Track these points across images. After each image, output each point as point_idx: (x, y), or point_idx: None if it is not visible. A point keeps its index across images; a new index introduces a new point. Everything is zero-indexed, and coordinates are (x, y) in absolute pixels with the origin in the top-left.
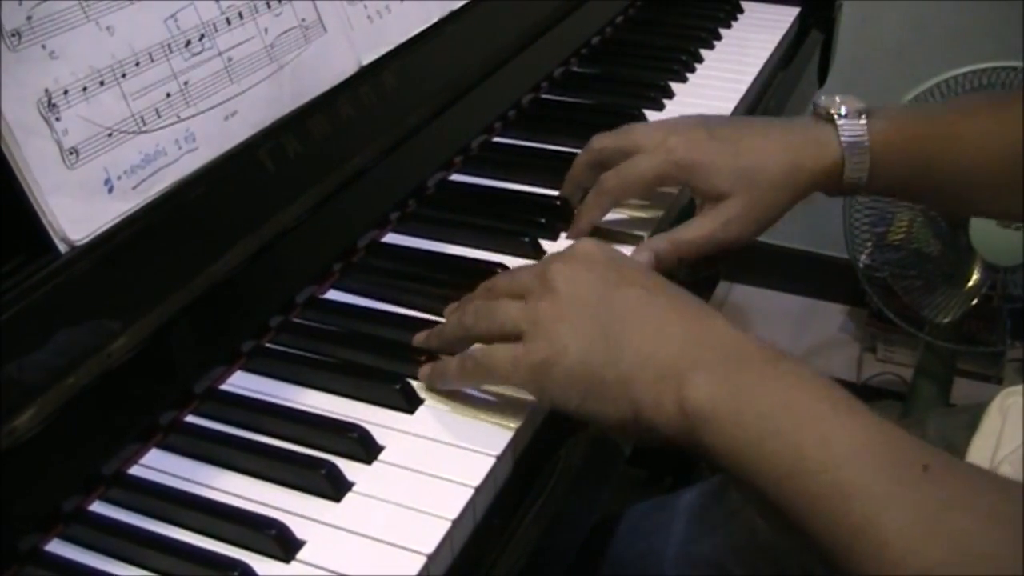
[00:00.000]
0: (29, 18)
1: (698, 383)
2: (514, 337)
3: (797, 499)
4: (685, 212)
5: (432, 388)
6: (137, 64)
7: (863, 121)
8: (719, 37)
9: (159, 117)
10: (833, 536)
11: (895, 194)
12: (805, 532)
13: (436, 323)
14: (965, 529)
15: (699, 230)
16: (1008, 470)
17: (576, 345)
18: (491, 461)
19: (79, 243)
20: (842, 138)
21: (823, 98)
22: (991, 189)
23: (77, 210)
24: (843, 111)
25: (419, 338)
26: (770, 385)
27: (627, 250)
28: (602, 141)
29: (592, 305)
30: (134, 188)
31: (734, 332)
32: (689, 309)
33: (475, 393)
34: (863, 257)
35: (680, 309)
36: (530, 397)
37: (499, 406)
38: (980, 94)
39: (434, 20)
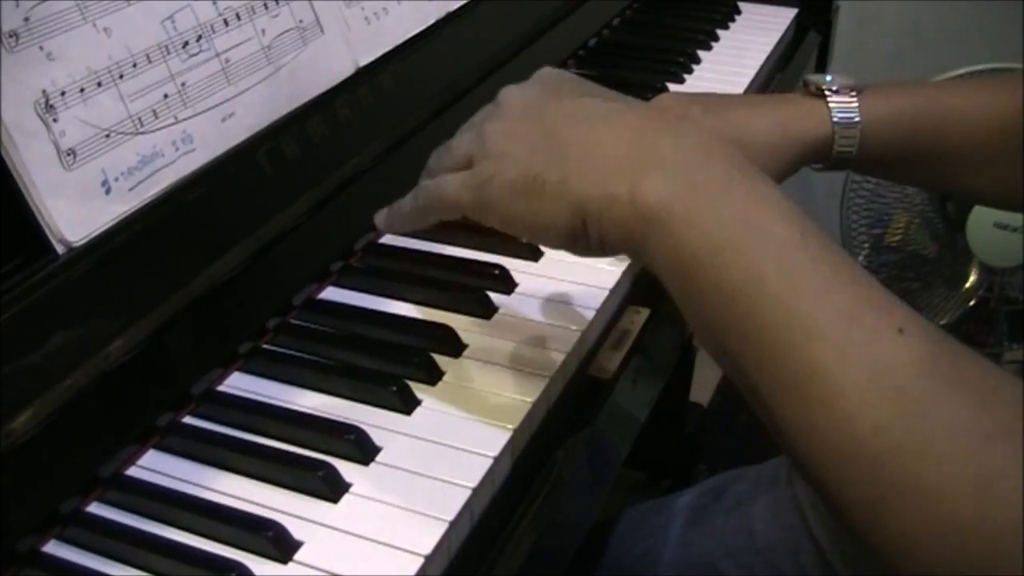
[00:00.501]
0: (26, 19)
1: (653, 179)
2: (464, 163)
3: (746, 322)
4: None
5: (391, 230)
6: (134, 65)
7: (853, 96)
8: (716, 39)
9: (156, 118)
10: (781, 372)
11: (884, 170)
12: (746, 363)
13: (434, 324)
14: (924, 391)
15: None
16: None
17: (519, 153)
18: (488, 462)
19: (77, 244)
20: (832, 113)
21: (813, 76)
22: (980, 165)
23: (74, 212)
24: (834, 87)
25: (379, 220)
26: (734, 195)
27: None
28: None
29: (540, 112)
30: (131, 189)
31: (699, 131)
32: (648, 109)
33: (472, 394)
34: (860, 259)
35: (636, 108)
36: (528, 397)
37: (497, 407)
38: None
39: (431, 22)
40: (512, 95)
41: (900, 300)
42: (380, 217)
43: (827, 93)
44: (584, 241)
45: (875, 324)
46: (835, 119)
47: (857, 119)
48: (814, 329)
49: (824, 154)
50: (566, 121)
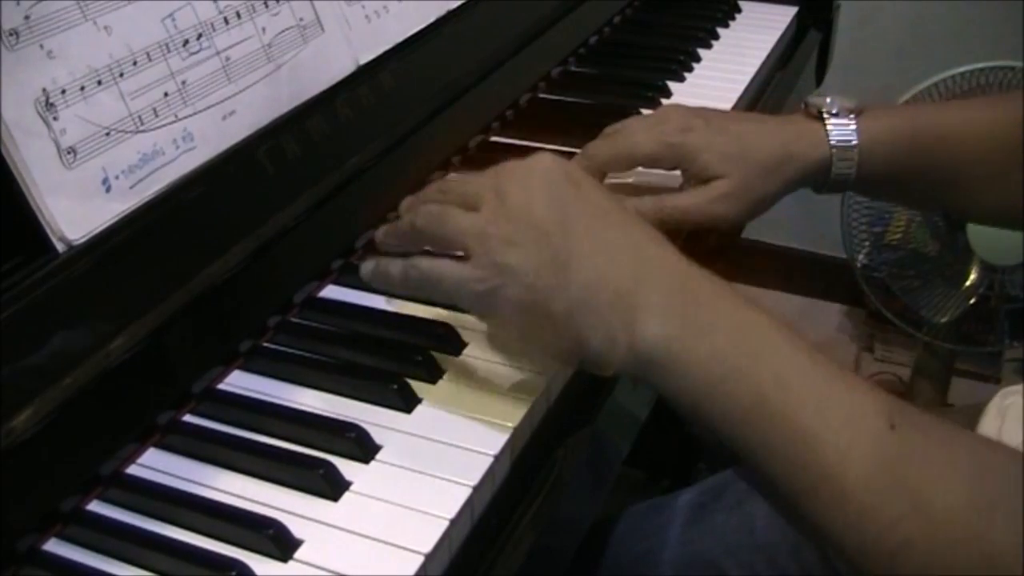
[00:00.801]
0: (27, 17)
1: (649, 322)
2: (461, 251)
3: (757, 442)
4: None
5: (371, 283)
6: (135, 64)
7: (852, 120)
8: (717, 37)
9: (157, 117)
10: (795, 482)
11: (883, 191)
12: (767, 475)
13: (434, 322)
14: (924, 480)
15: (688, 199)
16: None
17: (524, 274)
18: (489, 460)
19: (77, 243)
20: (830, 136)
21: (814, 97)
22: (979, 184)
23: (75, 210)
24: (833, 110)
25: (377, 235)
26: (723, 321)
27: None
28: (597, 149)
29: (543, 229)
30: (132, 188)
31: (685, 264)
32: (643, 239)
33: (473, 392)
34: (861, 257)
35: (633, 238)
36: (528, 396)
37: (497, 405)
38: (973, 97)
39: (432, 20)
40: (517, 193)
41: (888, 395)
42: (366, 270)
43: (825, 116)
44: (579, 363)
45: (870, 423)
46: (832, 142)
47: (854, 142)
48: (817, 439)
49: (822, 176)
50: (575, 248)
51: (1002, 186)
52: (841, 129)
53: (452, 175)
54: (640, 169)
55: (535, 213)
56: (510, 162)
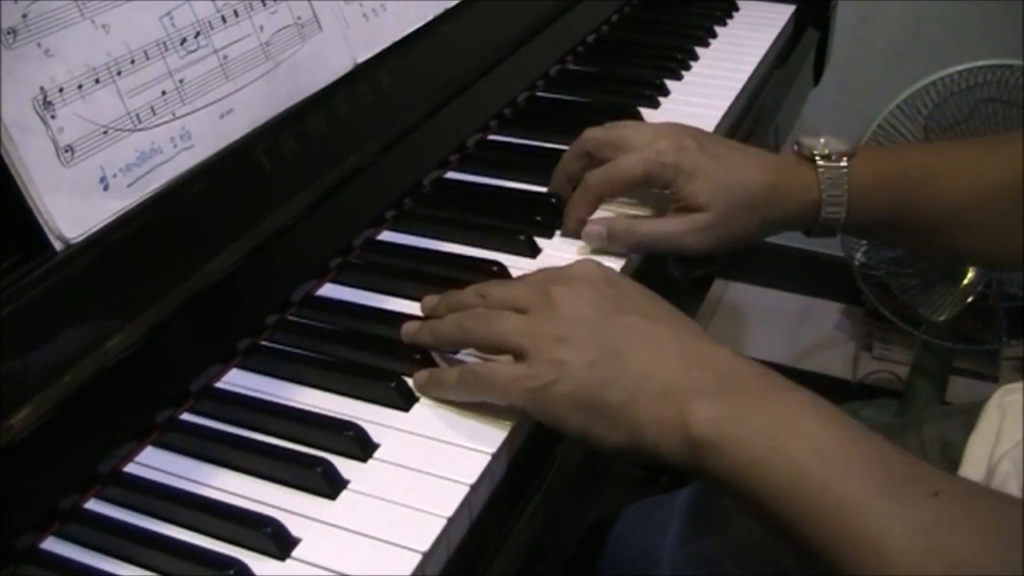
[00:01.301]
0: (25, 16)
1: (700, 407)
2: (513, 352)
3: (799, 516)
4: None
5: (427, 394)
6: (133, 62)
7: (844, 164)
8: (715, 35)
9: (155, 115)
10: (837, 552)
11: (874, 234)
12: (810, 548)
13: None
14: (966, 547)
15: (662, 228)
16: (1008, 466)
17: (577, 368)
18: (487, 459)
19: (75, 241)
20: (820, 180)
21: (807, 139)
22: (971, 228)
23: (73, 208)
24: (825, 151)
25: (408, 331)
26: (768, 405)
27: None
28: (593, 133)
29: (593, 327)
30: (130, 186)
31: (730, 354)
32: (687, 332)
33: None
34: (859, 255)
35: (678, 332)
36: None
37: (495, 404)
38: (966, 140)
39: (430, 18)
40: (564, 298)
41: (932, 467)
42: (420, 380)
43: (817, 159)
44: (632, 455)
45: (911, 492)
46: (823, 184)
47: (845, 187)
48: (856, 508)
49: (811, 219)
50: (623, 343)
51: (997, 231)
52: (832, 172)
53: (491, 282)
54: None
55: (584, 312)
56: (551, 269)
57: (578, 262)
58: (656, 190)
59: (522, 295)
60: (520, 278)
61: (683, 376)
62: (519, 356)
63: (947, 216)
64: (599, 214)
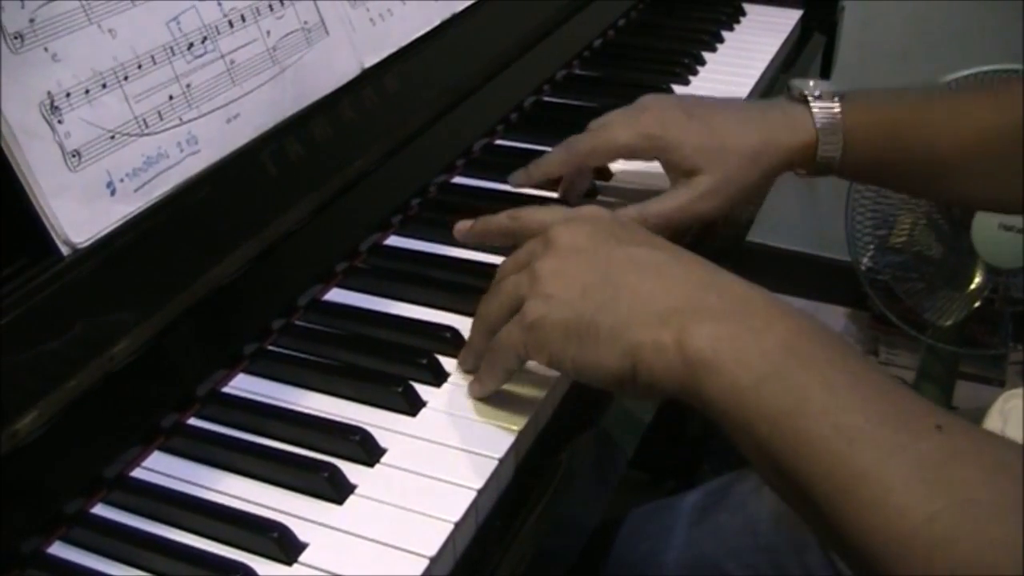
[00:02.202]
0: (32, 20)
1: (701, 326)
2: (516, 301)
3: (796, 440)
4: None
5: (482, 396)
6: (139, 67)
7: (836, 102)
8: (721, 40)
9: (161, 119)
10: (831, 481)
11: (868, 176)
12: (801, 478)
13: (439, 325)
14: (968, 478)
15: (670, 202)
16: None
17: (569, 297)
18: (494, 463)
19: (81, 246)
20: (815, 117)
21: (797, 81)
22: (961, 172)
23: (79, 213)
24: (816, 92)
25: (460, 360)
26: (776, 328)
27: None
28: (577, 141)
29: (591, 255)
30: (136, 191)
31: (741, 282)
32: (695, 260)
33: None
34: (865, 260)
35: (685, 260)
36: (532, 399)
37: (502, 408)
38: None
39: (436, 23)
40: (563, 234)
41: (934, 404)
42: (472, 389)
43: (810, 99)
44: (632, 385)
45: (916, 425)
46: (818, 124)
47: (840, 121)
48: (860, 436)
49: (808, 159)
50: (620, 268)
51: (993, 177)
52: (826, 111)
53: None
54: (622, 166)
55: (580, 244)
56: (564, 207)
57: (584, 206)
58: (643, 162)
59: (526, 247)
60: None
61: (686, 297)
62: (521, 305)
63: (944, 161)
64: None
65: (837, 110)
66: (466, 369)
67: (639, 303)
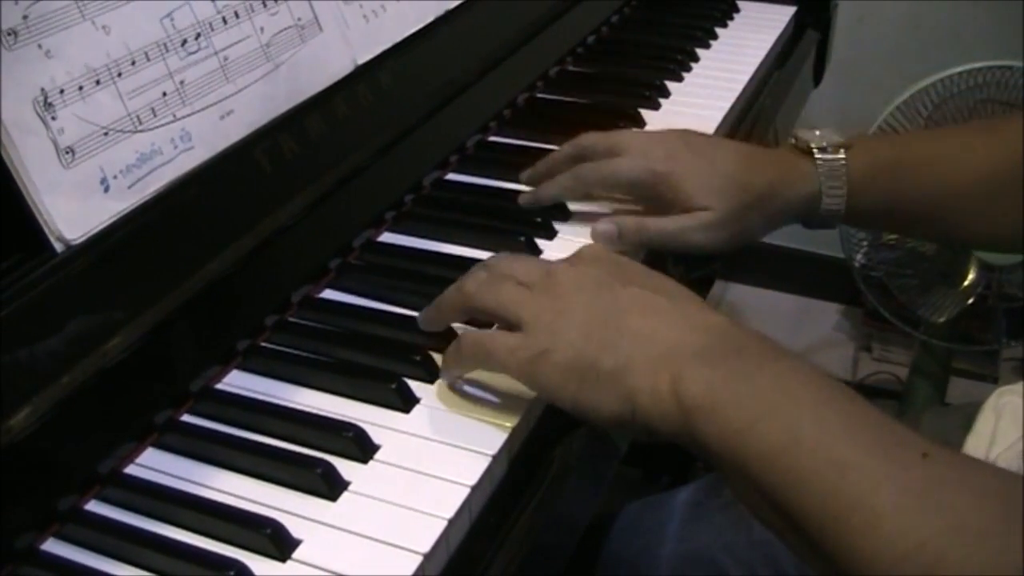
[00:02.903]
0: (25, 17)
1: (695, 372)
2: (510, 322)
3: (790, 476)
4: None
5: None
6: (133, 63)
7: (841, 155)
8: (715, 36)
9: (155, 116)
10: (825, 512)
11: (874, 224)
12: (795, 511)
13: None
14: (958, 504)
15: (670, 224)
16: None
17: (574, 335)
18: (487, 460)
19: (75, 242)
20: (819, 170)
21: (803, 132)
22: (970, 212)
23: (73, 209)
24: (823, 144)
25: (420, 316)
26: (768, 371)
27: None
28: (589, 138)
29: (593, 298)
30: (130, 187)
31: (734, 326)
32: (690, 304)
33: (471, 392)
34: (859, 256)
35: (681, 303)
36: (525, 395)
37: (495, 405)
38: (962, 125)
39: (430, 19)
40: (566, 274)
41: (919, 434)
42: (422, 319)
43: (815, 151)
44: (631, 426)
45: (903, 454)
46: (822, 174)
47: (844, 174)
48: (850, 468)
49: (812, 211)
50: (621, 311)
51: (996, 215)
52: (830, 164)
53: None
54: None
55: (583, 284)
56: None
57: (586, 246)
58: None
59: (526, 269)
60: (528, 256)
61: (680, 341)
62: (516, 327)
63: (945, 202)
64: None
65: (842, 162)
66: (424, 320)
67: (638, 347)
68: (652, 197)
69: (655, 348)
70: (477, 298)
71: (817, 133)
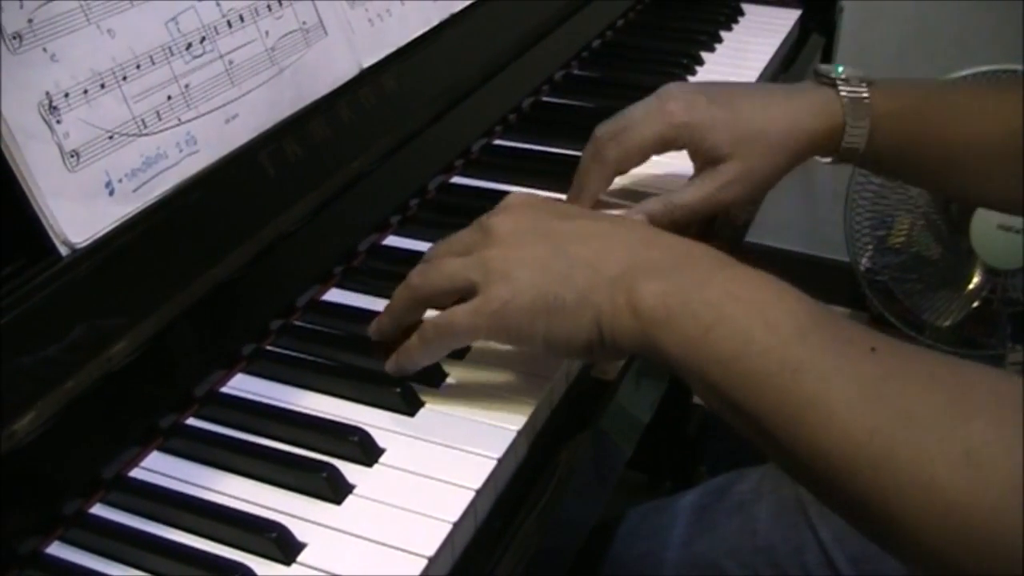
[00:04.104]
0: (30, 21)
1: (647, 285)
2: (467, 291)
3: (745, 379)
4: None
5: (404, 371)
6: (138, 67)
7: (864, 87)
8: (720, 40)
9: (160, 120)
10: (782, 412)
11: (889, 166)
12: (754, 414)
13: None
14: (906, 392)
15: (696, 192)
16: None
17: (530, 276)
18: (492, 464)
19: (80, 246)
20: (843, 100)
21: (823, 66)
22: (986, 168)
23: (78, 213)
24: (844, 76)
25: (372, 328)
26: (717, 279)
27: None
28: (602, 129)
29: (536, 236)
30: (135, 191)
31: (684, 241)
32: (635, 225)
33: (476, 395)
34: (864, 260)
35: (624, 226)
36: (530, 399)
37: (499, 408)
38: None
39: (434, 23)
40: (501, 223)
41: (867, 327)
42: (390, 364)
43: (838, 82)
44: (600, 349)
45: (853, 350)
46: (846, 104)
47: (868, 105)
48: (802, 367)
49: (833, 144)
50: (568, 241)
51: (1007, 175)
52: (854, 95)
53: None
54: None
55: (524, 226)
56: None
57: (511, 195)
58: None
59: (459, 238)
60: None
61: (633, 258)
62: (471, 293)
63: (965, 155)
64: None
65: (865, 94)
66: (378, 331)
67: (594, 272)
68: (675, 148)
69: (609, 269)
70: (424, 285)
71: (839, 68)
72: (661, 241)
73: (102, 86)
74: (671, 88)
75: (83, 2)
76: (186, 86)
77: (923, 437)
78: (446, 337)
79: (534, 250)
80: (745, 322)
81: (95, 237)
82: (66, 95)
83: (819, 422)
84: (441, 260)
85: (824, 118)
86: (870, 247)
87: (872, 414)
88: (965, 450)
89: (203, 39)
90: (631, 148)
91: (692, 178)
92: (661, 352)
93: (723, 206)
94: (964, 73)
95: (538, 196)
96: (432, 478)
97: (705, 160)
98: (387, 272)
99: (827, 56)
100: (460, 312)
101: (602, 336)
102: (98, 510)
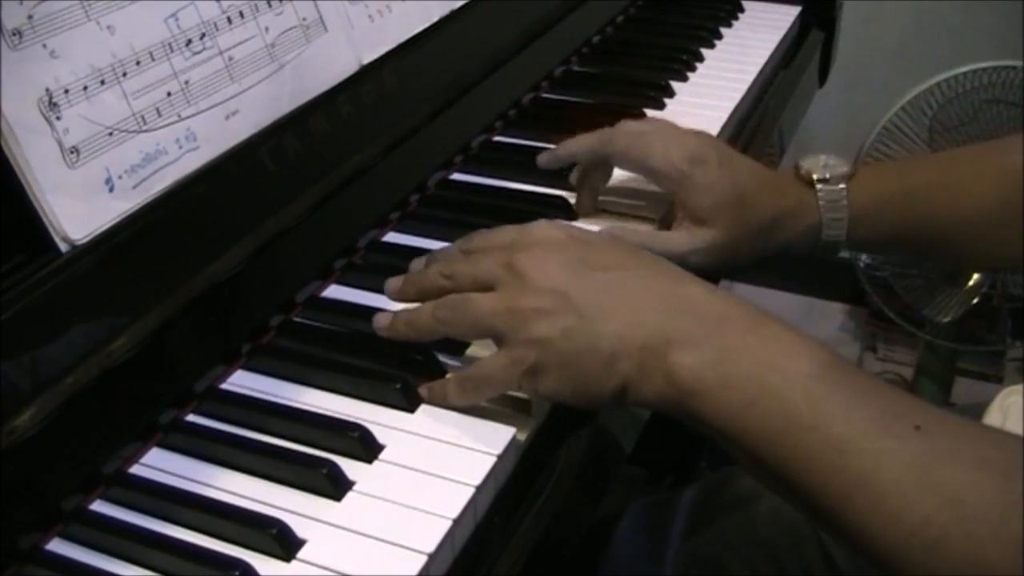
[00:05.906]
0: (30, 17)
1: (682, 354)
2: (492, 336)
3: (791, 456)
4: None
5: (460, 407)
6: (138, 63)
7: (842, 187)
8: (720, 36)
9: (160, 116)
10: (829, 491)
11: (881, 249)
12: (801, 488)
13: None
14: (955, 479)
15: (668, 245)
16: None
17: (555, 342)
18: (492, 460)
19: (80, 242)
20: (820, 205)
21: (807, 160)
22: (977, 239)
23: (78, 209)
24: (825, 175)
25: (382, 324)
26: (754, 347)
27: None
28: (624, 127)
29: (564, 292)
30: (135, 187)
31: (712, 297)
32: (664, 280)
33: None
34: (864, 257)
35: (653, 281)
36: (531, 396)
37: (500, 404)
38: (964, 147)
39: (435, 19)
40: (531, 266)
41: (915, 398)
42: (424, 394)
43: (817, 183)
44: (625, 404)
45: (898, 428)
46: (822, 207)
47: (844, 211)
48: (849, 447)
49: (813, 241)
50: (598, 302)
51: (1002, 239)
52: (831, 196)
53: (447, 247)
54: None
55: (553, 277)
56: (511, 229)
57: (535, 225)
58: (657, 189)
59: (488, 270)
60: (482, 238)
61: (663, 325)
62: (497, 339)
63: (957, 229)
64: (604, 223)
65: (843, 196)
66: (390, 333)
67: (621, 339)
68: (666, 188)
69: (637, 335)
70: (453, 325)
71: (821, 162)
72: (693, 300)
73: (102, 82)
74: (693, 134)
75: None
76: (186, 82)
77: (975, 527)
78: (483, 392)
79: (561, 310)
80: (787, 396)
81: (95, 233)
82: (66, 91)
83: (868, 506)
84: (470, 301)
85: (802, 218)
86: None
87: (923, 500)
88: (1017, 536)
89: (203, 35)
90: (633, 155)
91: (674, 228)
92: (700, 420)
93: (687, 266)
94: (964, 70)
95: (563, 229)
96: (432, 474)
97: (689, 215)
98: (387, 268)
99: (827, 52)
100: (492, 370)
101: (626, 397)
102: (98, 506)
